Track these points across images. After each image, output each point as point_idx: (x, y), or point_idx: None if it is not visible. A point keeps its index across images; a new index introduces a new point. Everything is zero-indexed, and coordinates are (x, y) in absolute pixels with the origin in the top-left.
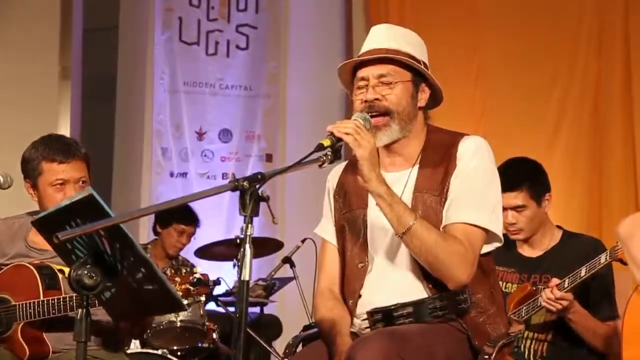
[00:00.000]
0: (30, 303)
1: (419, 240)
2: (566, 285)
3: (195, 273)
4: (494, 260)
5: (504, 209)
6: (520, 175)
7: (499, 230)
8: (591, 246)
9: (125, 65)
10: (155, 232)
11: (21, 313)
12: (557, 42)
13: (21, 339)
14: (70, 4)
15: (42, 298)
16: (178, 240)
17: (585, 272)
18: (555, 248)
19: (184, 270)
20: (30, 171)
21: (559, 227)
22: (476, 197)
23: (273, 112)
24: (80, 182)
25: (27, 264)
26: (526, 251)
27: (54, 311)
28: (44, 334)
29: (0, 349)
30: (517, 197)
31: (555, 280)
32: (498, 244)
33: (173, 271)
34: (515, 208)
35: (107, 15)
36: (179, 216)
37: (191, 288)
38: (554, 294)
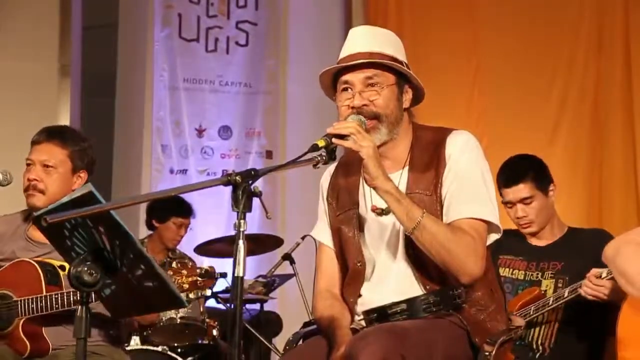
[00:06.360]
0: (32, 298)
1: (430, 234)
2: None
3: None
4: (492, 257)
5: (512, 203)
6: (524, 168)
7: (498, 220)
8: (597, 234)
9: (125, 62)
10: (151, 227)
11: (23, 308)
12: (556, 40)
13: (22, 335)
14: (69, 1)
15: (44, 293)
16: (177, 233)
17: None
18: (563, 238)
19: (190, 263)
20: None
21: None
22: (474, 191)
23: (273, 109)
24: (44, 165)
25: (28, 260)
26: (534, 241)
27: (56, 305)
28: (44, 329)
29: None
30: (524, 189)
31: (595, 271)
32: (497, 236)
33: (179, 265)
34: (523, 200)
35: (107, 12)
36: (177, 210)
37: (199, 279)
38: (595, 281)
